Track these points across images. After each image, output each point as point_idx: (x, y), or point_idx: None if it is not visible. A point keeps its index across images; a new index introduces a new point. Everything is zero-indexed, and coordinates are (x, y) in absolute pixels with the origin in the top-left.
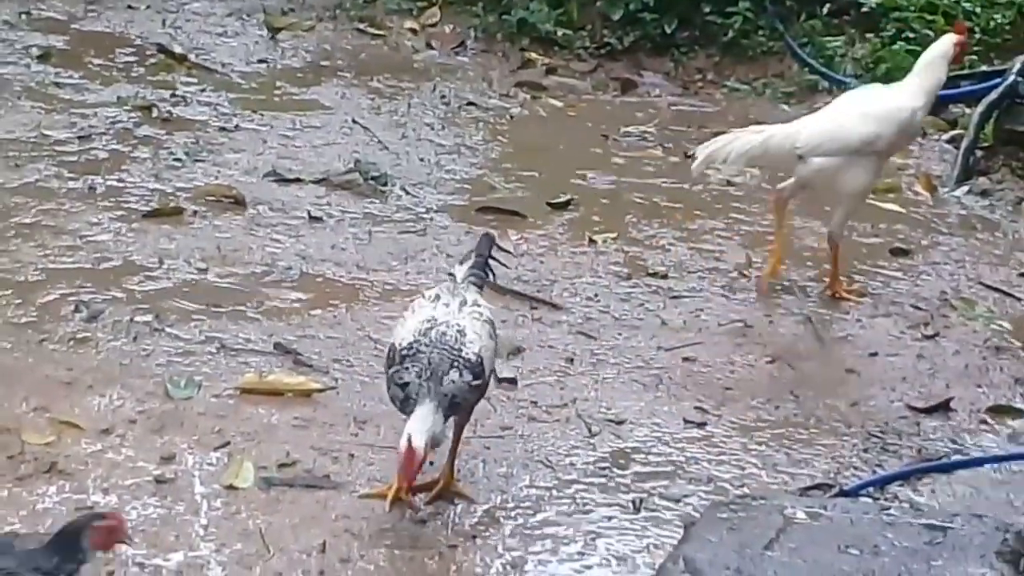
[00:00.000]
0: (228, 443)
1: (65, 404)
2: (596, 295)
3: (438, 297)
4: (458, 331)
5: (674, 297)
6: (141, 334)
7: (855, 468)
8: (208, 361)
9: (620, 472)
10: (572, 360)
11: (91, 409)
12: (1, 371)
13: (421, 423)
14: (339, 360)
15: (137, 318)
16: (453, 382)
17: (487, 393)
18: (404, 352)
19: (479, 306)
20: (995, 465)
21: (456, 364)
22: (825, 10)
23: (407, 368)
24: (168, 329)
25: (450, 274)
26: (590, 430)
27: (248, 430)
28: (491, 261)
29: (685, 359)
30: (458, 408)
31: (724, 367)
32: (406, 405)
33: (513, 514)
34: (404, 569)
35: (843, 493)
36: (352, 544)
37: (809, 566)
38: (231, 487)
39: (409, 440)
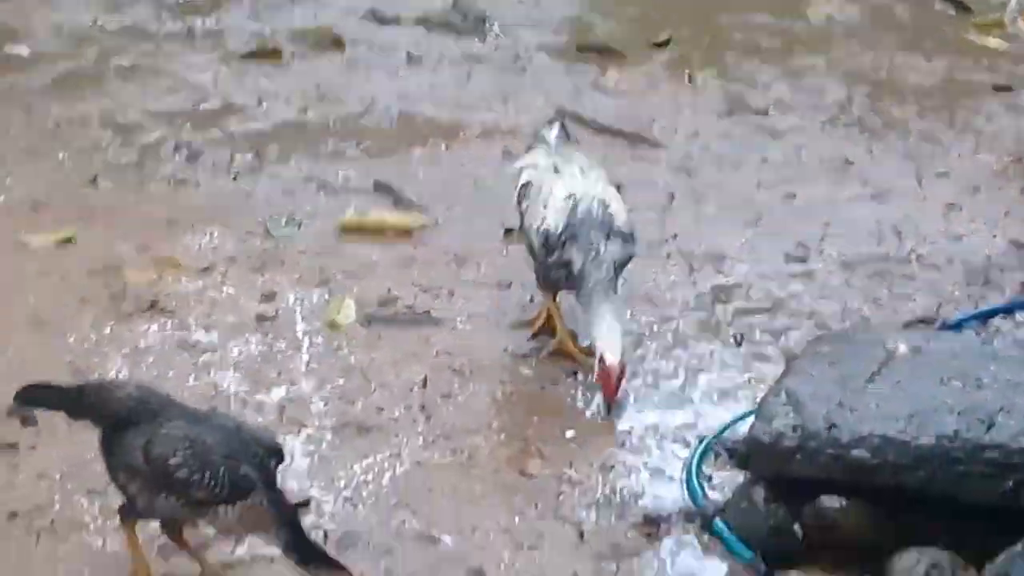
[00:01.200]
0: (329, 281)
1: (167, 243)
2: (696, 132)
3: (557, 168)
4: (601, 203)
5: (775, 134)
6: (241, 174)
7: (957, 302)
8: (309, 200)
9: (721, 307)
10: (672, 197)
11: (192, 248)
12: (103, 211)
13: (608, 336)
14: (439, 197)
15: (237, 158)
16: (615, 251)
17: None
18: (563, 236)
19: (595, 169)
20: None
21: (613, 236)
22: None
23: (567, 249)
24: (268, 168)
25: (540, 137)
26: (691, 266)
27: (349, 268)
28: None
29: (786, 195)
30: (619, 276)
31: (825, 203)
32: (577, 284)
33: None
34: (504, 404)
35: (945, 327)
36: (453, 380)
37: (911, 399)
38: (332, 324)
39: (603, 359)
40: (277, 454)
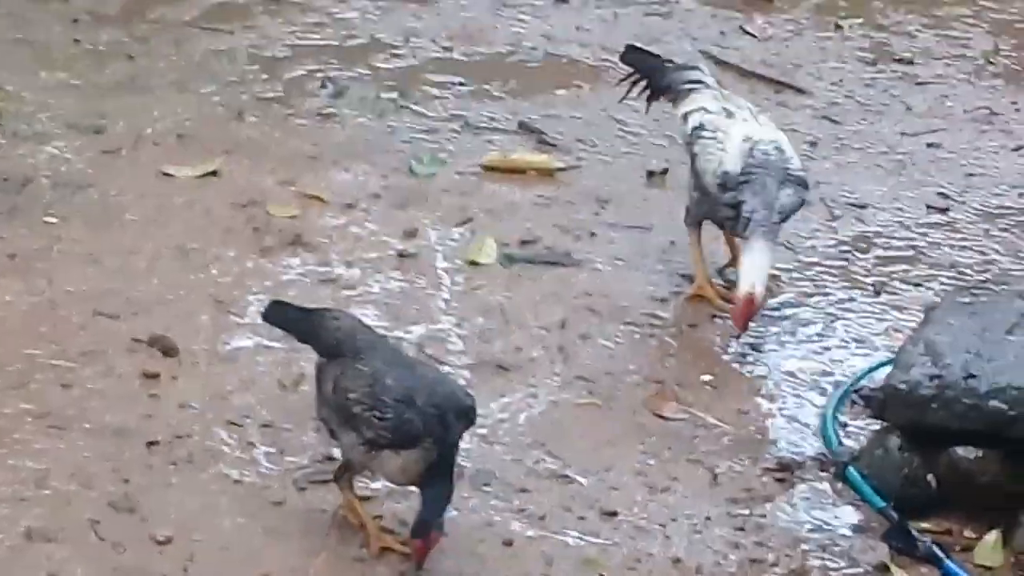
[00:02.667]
0: (471, 219)
1: (310, 178)
2: (841, 80)
3: (730, 112)
4: (777, 148)
5: (919, 83)
6: (386, 111)
7: None
8: (452, 138)
9: (861, 256)
10: (815, 144)
11: (335, 183)
12: (248, 145)
13: (758, 269)
14: (582, 140)
15: (382, 95)
16: (789, 196)
17: None
18: (741, 179)
19: (761, 113)
20: None
21: (787, 181)
22: None
23: (742, 191)
24: (413, 106)
25: (696, 81)
26: (832, 214)
27: (491, 207)
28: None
29: (929, 145)
30: (787, 219)
31: (968, 153)
32: (736, 224)
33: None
34: (642, 345)
35: None
36: (591, 321)
37: None
38: (473, 263)
39: (748, 289)
40: (465, 415)
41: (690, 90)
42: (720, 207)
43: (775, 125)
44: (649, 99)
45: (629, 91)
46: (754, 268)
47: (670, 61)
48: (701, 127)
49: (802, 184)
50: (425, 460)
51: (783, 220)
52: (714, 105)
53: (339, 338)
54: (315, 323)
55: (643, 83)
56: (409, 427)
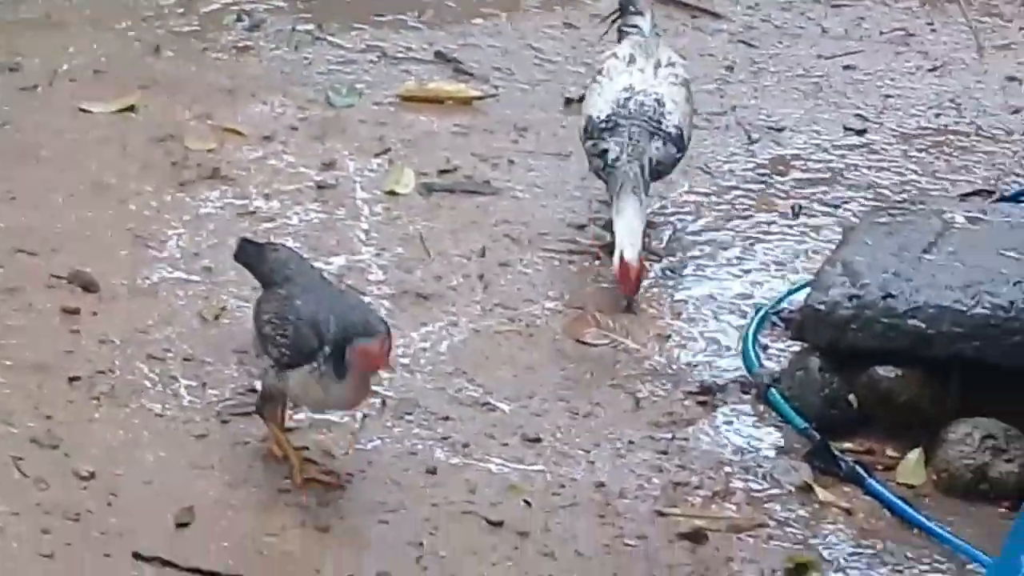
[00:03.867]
0: (389, 150)
1: (227, 111)
2: (756, 4)
3: (632, 59)
4: (656, 100)
5: (835, 5)
6: (303, 43)
7: (1016, 175)
8: (369, 69)
9: (779, 178)
10: (732, 68)
11: (253, 116)
12: (165, 79)
13: (629, 232)
14: (499, 68)
15: (299, 27)
16: (658, 149)
17: None
18: (603, 125)
19: (674, 66)
20: None
21: (656, 136)
22: None
23: (604, 139)
24: (329, 38)
25: (633, 26)
26: (749, 137)
27: (408, 137)
28: None
29: (846, 67)
30: (659, 177)
31: (885, 75)
32: (607, 175)
33: (672, 219)
34: (561, 272)
35: (1003, 199)
36: (512, 248)
37: (968, 269)
38: (392, 193)
39: (622, 256)
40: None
41: (625, 34)
42: (590, 156)
43: (680, 83)
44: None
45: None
46: (626, 231)
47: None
48: (599, 72)
49: (675, 142)
50: (319, 375)
51: (652, 174)
52: (624, 51)
53: (273, 267)
54: (260, 256)
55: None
56: (305, 342)
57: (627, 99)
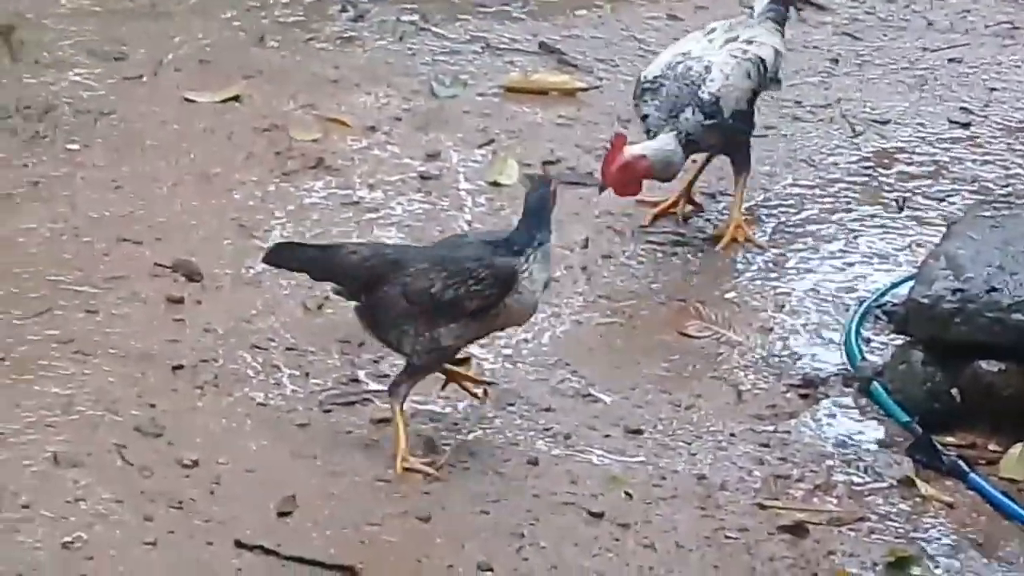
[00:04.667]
0: (492, 141)
1: (332, 102)
2: None
3: (712, 31)
4: (704, 67)
5: None
6: (407, 33)
7: None
8: (473, 60)
9: (883, 172)
10: (837, 61)
11: (357, 107)
12: (270, 69)
13: (656, 142)
14: (603, 60)
15: (403, 18)
16: (687, 119)
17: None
18: (646, 85)
19: (752, 43)
20: None
21: (692, 102)
22: None
23: (646, 101)
24: (434, 28)
25: (749, 7)
26: (854, 130)
27: (512, 128)
28: None
29: (951, 60)
30: (696, 147)
31: (990, 68)
32: (646, 136)
33: (776, 212)
34: (665, 264)
35: None
36: (615, 240)
37: None
38: (495, 183)
39: (625, 139)
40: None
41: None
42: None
43: (745, 59)
44: None
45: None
46: (652, 145)
47: None
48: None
49: (706, 110)
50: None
51: (688, 141)
52: (715, 24)
53: (372, 264)
54: (340, 259)
55: None
56: (505, 269)
57: (677, 63)
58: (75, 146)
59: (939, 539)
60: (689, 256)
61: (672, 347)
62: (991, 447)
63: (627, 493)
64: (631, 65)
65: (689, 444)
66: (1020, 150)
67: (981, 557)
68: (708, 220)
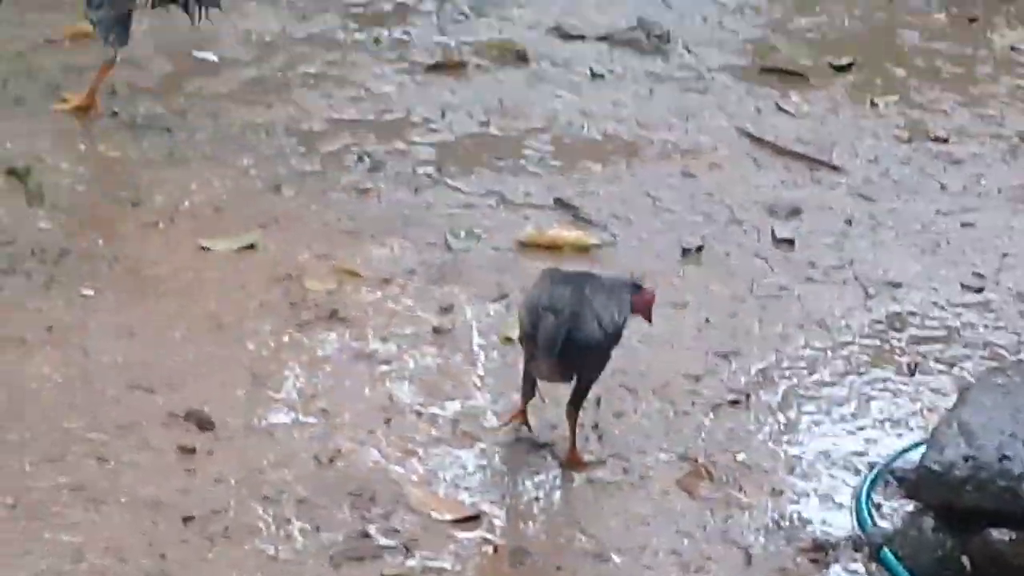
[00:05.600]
0: (507, 295)
1: (347, 252)
2: (876, 157)
3: None
4: None
5: (954, 162)
6: (423, 186)
7: None
8: (488, 214)
9: (896, 335)
10: (850, 222)
11: (372, 258)
12: (285, 219)
13: None
14: (618, 216)
15: (419, 170)
16: None
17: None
18: None
19: None
20: None
21: None
22: None
23: None
24: (449, 181)
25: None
26: (867, 292)
27: (527, 283)
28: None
29: (964, 224)
30: None
31: (1003, 233)
32: None
33: (787, 373)
34: (676, 423)
35: None
36: (626, 398)
37: None
38: (509, 339)
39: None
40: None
41: None
42: None
43: None
44: None
45: None
46: None
47: None
48: None
49: None
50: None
51: None
52: None
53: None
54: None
55: None
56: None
57: None
58: (89, 291)
59: None
60: (700, 416)
61: (682, 508)
62: None
63: None
64: (645, 222)
65: None
66: None
67: None
68: (722, 381)
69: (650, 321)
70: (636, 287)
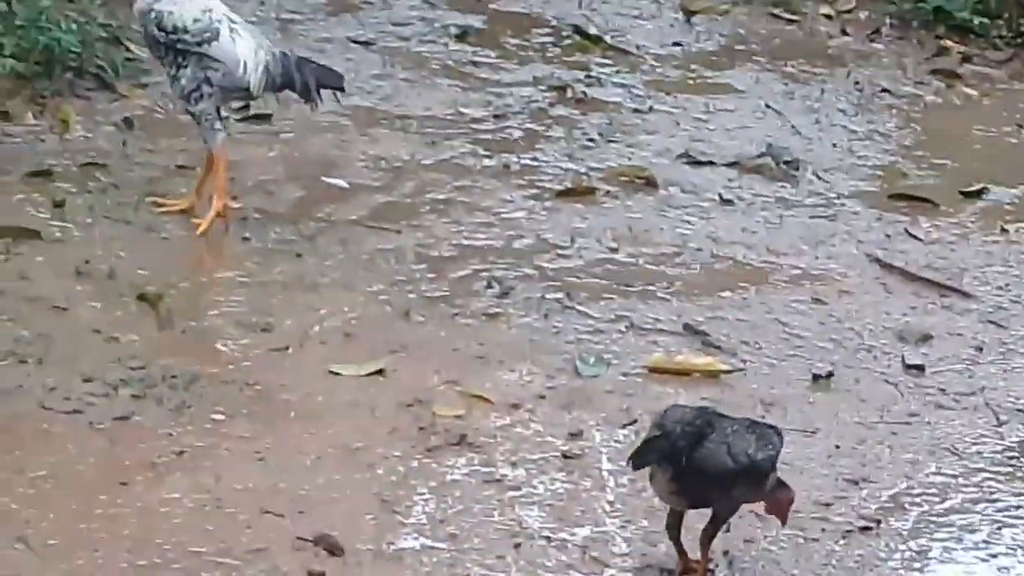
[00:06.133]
0: (635, 421)
1: (476, 378)
2: (1007, 284)
3: None
4: None
5: None
6: (552, 311)
7: None
8: (617, 339)
9: None
10: (981, 349)
11: (501, 383)
12: (415, 344)
13: None
14: (747, 342)
15: (548, 295)
16: None
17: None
18: None
19: None
20: None
21: None
22: None
23: None
24: (578, 307)
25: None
26: (998, 419)
27: (656, 409)
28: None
29: None
30: None
31: None
32: None
33: (918, 500)
34: (804, 551)
35: None
36: (756, 525)
37: None
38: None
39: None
40: None
41: None
42: None
43: None
44: None
45: None
46: None
47: None
48: None
49: None
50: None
51: None
52: None
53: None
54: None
55: None
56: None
57: None
58: (220, 416)
59: None
60: (829, 543)
61: None
62: None
63: None
64: (775, 348)
65: None
66: None
67: None
68: (852, 508)
69: (784, 523)
70: (781, 484)
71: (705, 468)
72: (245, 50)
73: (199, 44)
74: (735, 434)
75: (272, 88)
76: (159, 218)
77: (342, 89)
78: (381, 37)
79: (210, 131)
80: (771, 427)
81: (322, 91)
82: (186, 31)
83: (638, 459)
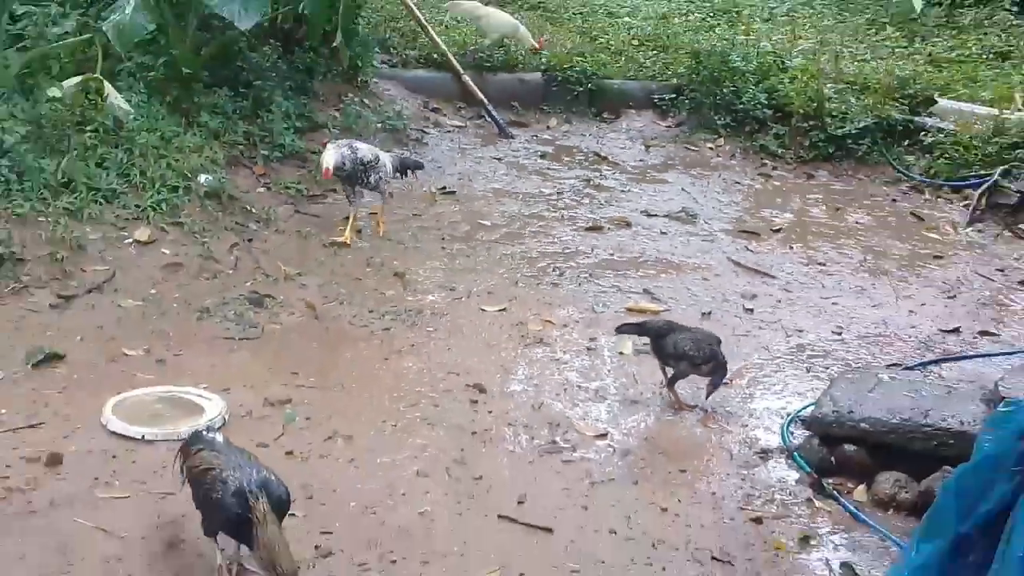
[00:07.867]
0: (621, 330)
1: (547, 313)
2: (792, 272)
3: None
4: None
5: None
6: (583, 282)
7: None
8: (612, 295)
9: None
10: (780, 301)
11: (559, 315)
12: (519, 297)
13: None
14: (673, 297)
15: (581, 275)
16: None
17: (738, 315)
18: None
19: None
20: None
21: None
22: None
23: None
24: (595, 281)
25: None
26: (786, 334)
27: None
28: None
29: None
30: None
31: None
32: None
33: (751, 372)
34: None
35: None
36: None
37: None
38: None
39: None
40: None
41: None
42: None
43: None
44: None
45: None
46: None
47: None
48: None
49: None
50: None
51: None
52: None
53: (661, 326)
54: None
55: None
56: (716, 354)
57: None
58: (431, 329)
59: (824, 527)
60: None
61: None
62: (849, 484)
63: None
64: (684, 300)
65: None
66: None
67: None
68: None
69: (709, 393)
70: (718, 367)
71: (665, 349)
72: (385, 159)
73: (375, 163)
74: (682, 335)
75: (399, 170)
76: (414, 235)
77: (422, 167)
78: (506, 155)
79: (381, 194)
80: (713, 336)
81: (416, 170)
82: (370, 161)
83: (618, 330)
